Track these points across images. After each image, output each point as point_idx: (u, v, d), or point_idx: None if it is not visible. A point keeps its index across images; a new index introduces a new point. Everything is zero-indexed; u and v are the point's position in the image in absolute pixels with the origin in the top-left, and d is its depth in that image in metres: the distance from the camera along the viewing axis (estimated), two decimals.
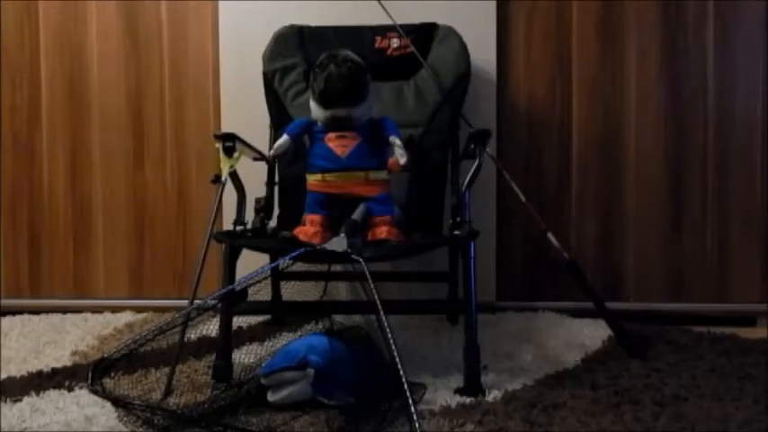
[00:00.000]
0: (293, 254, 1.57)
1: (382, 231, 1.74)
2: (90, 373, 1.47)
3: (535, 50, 2.38)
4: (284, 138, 1.83)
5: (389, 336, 1.37)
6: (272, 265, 1.74)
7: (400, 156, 1.76)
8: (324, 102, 1.76)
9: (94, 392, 1.39)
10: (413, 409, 1.29)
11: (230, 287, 1.66)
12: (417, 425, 1.27)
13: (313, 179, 1.80)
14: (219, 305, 1.71)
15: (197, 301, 1.67)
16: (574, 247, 2.34)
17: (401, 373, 1.32)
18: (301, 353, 1.53)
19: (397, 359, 1.33)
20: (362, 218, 1.72)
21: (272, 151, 1.88)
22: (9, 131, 2.49)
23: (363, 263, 1.47)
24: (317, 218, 1.76)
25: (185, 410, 1.46)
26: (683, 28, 2.34)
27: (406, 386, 1.30)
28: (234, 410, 1.49)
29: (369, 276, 1.45)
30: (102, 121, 2.47)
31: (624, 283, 2.38)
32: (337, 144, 1.76)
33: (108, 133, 2.47)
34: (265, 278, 1.61)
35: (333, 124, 1.78)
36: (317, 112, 1.79)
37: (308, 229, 1.75)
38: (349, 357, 1.58)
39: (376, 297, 1.43)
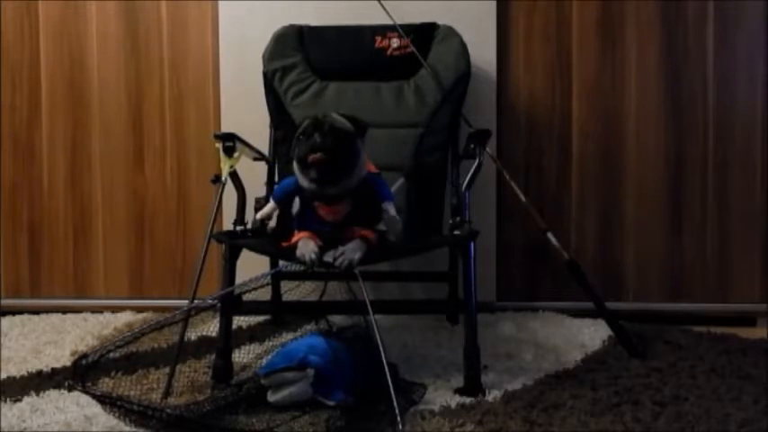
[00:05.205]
0: (289, 268, 1.56)
1: (360, 231, 1.62)
2: (73, 370, 1.46)
3: (535, 50, 2.38)
4: (270, 204, 1.70)
5: (377, 336, 1.40)
6: (271, 272, 1.72)
7: (393, 225, 1.62)
8: (309, 179, 1.57)
9: (73, 389, 1.39)
10: (396, 411, 1.33)
11: (230, 288, 1.65)
12: (401, 426, 1.30)
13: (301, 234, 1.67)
14: (219, 305, 1.71)
15: (197, 301, 1.67)
16: (574, 246, 2.34)
17: (387, 371, 1.35)
18: (301, 353, 1.53)
19: (384, 360, 1.36)
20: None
21: (257, 215, 1.72)
22: (9, 131, 2.49)
23: (359, 274, 1.50)
24: (307, 232, 1.64)
25: (183, 410, 1.46)
26: (683, 28, 2.34)
27: (391, 388, 1.34)
28: (234, 410, 1.49)
29: (362, 283, 1.47)
30: (102, 121, 2.47)
31: (624, 283, 2.38)
32: (328, 212, 1.62)
33: (108, 133, 2.47)
34: (265, 285, 1.61)
35: (321, 196, 1.61)
36: (301, 179, 1.60)
37: (300, 236, 1.64)
38: (349, 357, 1.58)
39: (366, 298, 1.46)
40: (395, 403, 1.32)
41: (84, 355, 1.47)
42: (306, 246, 1.56)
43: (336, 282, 2.11)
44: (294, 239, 1.62)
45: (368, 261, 1.55)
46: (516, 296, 2.38)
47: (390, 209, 1.61)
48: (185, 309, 1.68)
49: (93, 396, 1.44)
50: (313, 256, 1.53)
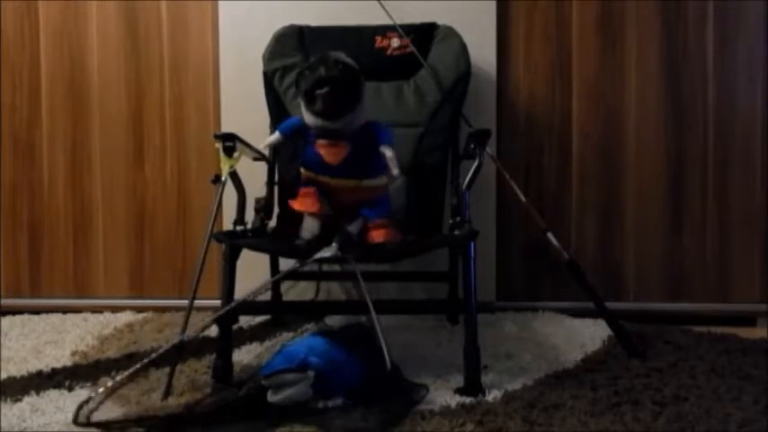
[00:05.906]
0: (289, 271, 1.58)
1: (379, 234, 1.72)
2: (76, 411, 1.49)
3: (535, 50, 2.38)
4: (276, 134, 1.79)
5: (380, 333, 1.40)
6: (268, 282, 1.74)
7: (392, 167, 1.70)
8: (314, 113, 1.68)
9: (78, 425, 1.44)
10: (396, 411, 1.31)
11: (230, 306, 1.64)
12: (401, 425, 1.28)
13: (307, 174, 1.77)
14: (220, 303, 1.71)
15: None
16: (574, 246, 2.35)
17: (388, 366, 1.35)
18: (301, 354, 1.53)
19: (387, 359, 1.39)
20: (359, 229, 1.70)
21: (266, 141, 1.83)
22: (9, 131, 2.49)
23: (359, 274, 1.51)
24: (311, 189, 1.71)
25: (183, 410, 1.47)
26: (683, 28, 2.34)
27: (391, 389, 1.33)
28: (234, 410, 1.49)
29: (361, 280, 1.47)
30: (102, 121, 2.47)
31: (624, 283, 2.38)
32: (328, 152, 1.69)
33: (108, 133, 2.47)
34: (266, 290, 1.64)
35: (324, 132, 1.71)
36: (306, 115, 1.72)
37: (304, 199, 1.70)
38: (349, 358, 1.58)
39: (368, 299, 1.46)
40: (395, 404, 1.32)
41: (86, 401, 1.52)
42: (308, 224, 1.63)
43: (338, 282, 2.12)
44: (300, 198, 1.69)
45: (371, 259, 1.56)
46: (516, 296, 2.38)
47: (388, 151, 1.68)
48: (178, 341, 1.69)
49: (98, 426, 1.45)
50: (315, 231, 1.61)
